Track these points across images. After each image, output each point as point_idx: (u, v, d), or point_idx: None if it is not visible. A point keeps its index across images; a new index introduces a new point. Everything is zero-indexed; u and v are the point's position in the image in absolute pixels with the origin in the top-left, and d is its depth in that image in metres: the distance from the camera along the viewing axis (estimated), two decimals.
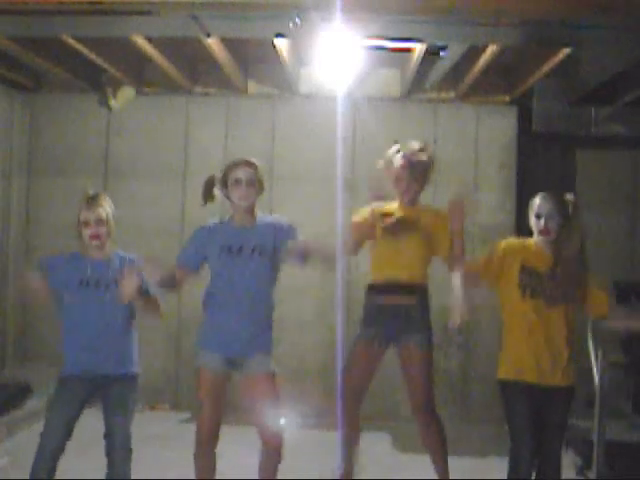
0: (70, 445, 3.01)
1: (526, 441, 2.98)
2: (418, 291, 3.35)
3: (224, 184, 3.12)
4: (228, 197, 3.12)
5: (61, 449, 2.98)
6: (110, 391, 3.09)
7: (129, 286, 2.96)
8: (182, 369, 5.62)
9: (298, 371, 5.29)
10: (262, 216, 3.18)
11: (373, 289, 3.38)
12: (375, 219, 3.29)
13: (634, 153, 5.72)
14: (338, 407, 3.31)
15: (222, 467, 3.21)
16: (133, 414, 3.12)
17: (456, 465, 3.45)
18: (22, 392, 5.13)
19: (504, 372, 3.12)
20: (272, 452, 3.05)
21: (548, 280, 3.05)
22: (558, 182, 5.68)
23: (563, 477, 4.11)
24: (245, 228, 3.10)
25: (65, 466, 3.04)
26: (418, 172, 3.35)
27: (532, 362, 3.03)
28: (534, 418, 3.01)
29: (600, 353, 3.68)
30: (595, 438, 3.78)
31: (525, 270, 3.08)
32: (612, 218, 5.68)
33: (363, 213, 3.37)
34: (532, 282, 3.06)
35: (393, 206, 3.39)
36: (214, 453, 3.11)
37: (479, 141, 5.59)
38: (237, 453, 3.10)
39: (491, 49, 4.17)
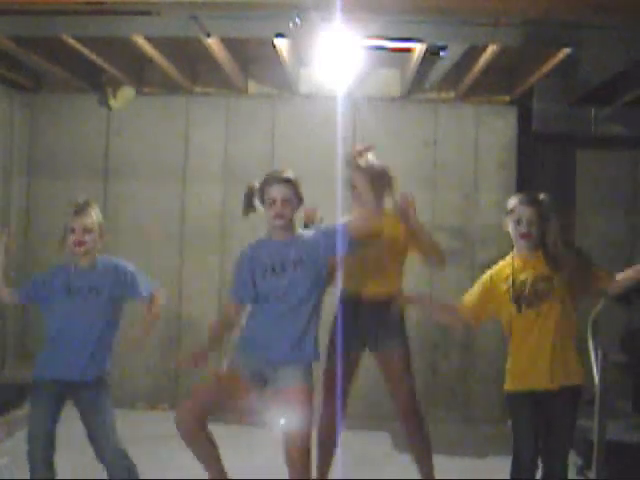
0: (70, 444, 3.01)
1: (527, 447, 2.99)
2: (391, 303, 3.35)
3: (261, 199, 3.03)
4: (268, 216, 3.04)
5: (51, 443, 3.03)
6: (81, 397, 3.08)
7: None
8: (182, 369, 5.62)
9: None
10: (301, 232, 3.11)
11: (345, 302, 3.37)
12: None
13: (634, 153, 5.71)
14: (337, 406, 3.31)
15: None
16: (113, 417, 3.10)
17: (456, 465, 3.45)
18: (22, 392, 5.12)
19: (510, 383, 3.11)
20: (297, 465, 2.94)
21: (539, 284, 3.03)
22: (558, 182, 5.68)
23: None
24: (284, 244, 3.02)
25: (65, 465, 3.05)
26: (375, 179, 3.23)
27: (538, 370, 3.01)
28: (539, 425, 3.01)
29: (600, 353, 3.67)
30: (595, 438, 3.78)
31: (515, 284, 3.06)
32: (612, 218, 5.68)
33: None
34: (525, 291, 3.04)
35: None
36: (206, 432, 3.03)
37: (479, 141, 5.59)
38: (239, 453, 3.09)
39: (491, 49, 4.16)
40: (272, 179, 3.02)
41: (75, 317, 3.06)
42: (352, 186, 3.26)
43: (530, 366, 3.04)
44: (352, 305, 3.35)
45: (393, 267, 3.39)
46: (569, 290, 3.04)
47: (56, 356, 3.07)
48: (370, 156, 3.26)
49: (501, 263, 3.19)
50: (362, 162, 3.21)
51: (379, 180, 3.26)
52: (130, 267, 3.21)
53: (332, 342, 3.36)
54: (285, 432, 2.90)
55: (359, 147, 3.23)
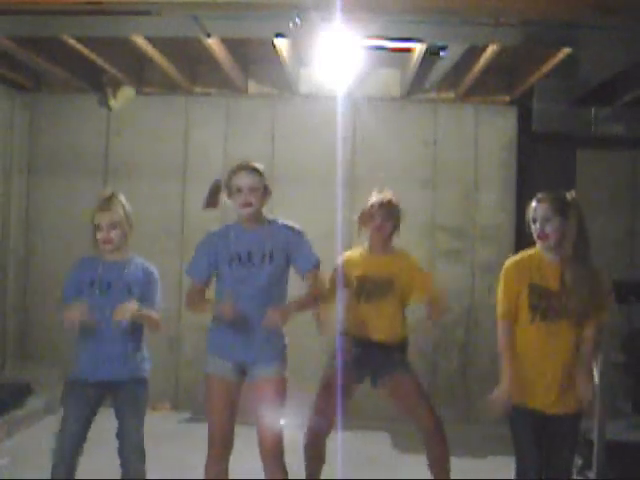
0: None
1: (531, 466, 2.86)
2: (397, 347, 3.42)
3: (228, 190, 3.02)
4: (235, 206, 3.03)
5: (79, 450, 2.99)
6: (120, 394, 3.06)
7: (121, 315, 2.89)
8: (182, 370, 5.63)
9: (297, 372, 5.28)
10: (271, 219, 3.07)
11: (349, 340, 3.38)
12: (348, 272, 3.41)
13: (634, 153, 5.72)
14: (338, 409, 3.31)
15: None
16: (144, 416, 3.10)
17: (456, 465, 3.45)
18: (22, 392, 5.13)
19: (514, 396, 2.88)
20: (268, 456, 2.97)
21: (558, 295, 2.83)
22: (558, 182, 5.67)
23: None
24: (252, 234, 3.01)
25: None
26: (391, 213, 3.40)
27: (542, 389, 2.84)
28: (540, 442, 2.88)
29: (600, 353, 3.67)
30: (595, 438, 3.78)
31: (534, 290, 2.85)
32: (612, 218, 5.68)
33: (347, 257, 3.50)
34: (542, 303, 2.83)
35: (363, 257, 3.46)
36: (226, 463, 3.01)
37: (479, 141, 5.59)
38: (241, 453, 3.09)
39: (491, 49, 4.17)
40: (238, 168, 3.01)
41: (106, 313, 2.98)
42: (370, 215, 3.39)
43: (544, 386, 2.84)
44: (356, 344, 3.38)
45: (399, 311, 3.44)
46: (585, 309, 2.81)
47: (97, 354, 3.04)
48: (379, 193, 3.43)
49: (523, 255, 2.96)
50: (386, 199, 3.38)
51: (396, 219, 3.43)
52: (157, 276, 3.20)
53: (329, 374, 3.38)
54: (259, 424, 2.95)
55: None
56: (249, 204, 2.96)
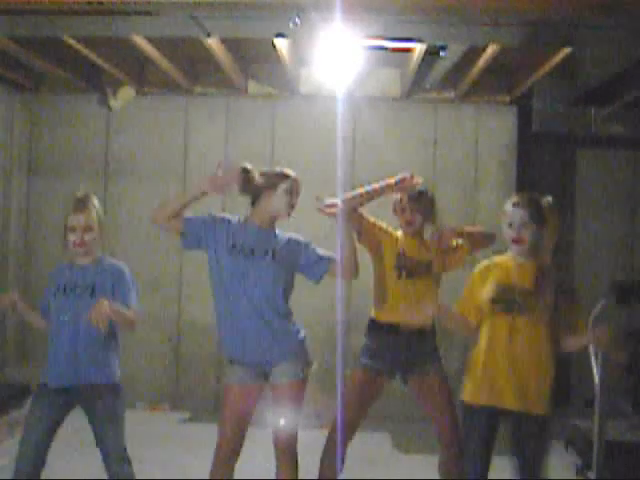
0: (69, 445, 2.98)
1: (476, 471, 2.83)
2: (429, 334, 3.30)
3: (266, 187, 2.99)
4: (255, 199, 3.00)
5: (39, 460, 2.88)
6: (93, 402, 2.93)
7: (96, 318, 2.75)
8: (182, 369, 5.63)
9: None
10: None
11: (381, 328, 3.26)
12: (389, 242, 3.29)
13: (634, 153, 5.72)
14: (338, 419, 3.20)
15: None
16: (124, 424, 2.98)
17: None
18: (22, 392, 5.13)
19: (469, 394, 2.89)
20: (285, 460, 2.96)
21: (528, 295, 2.81)
22: (558, 182, 5.68)
23: (563, 477, 4.13)
24: (262, 230, 2.99)
25: (65, 466, 3.03)
26: (421, 204, 3.32)
27: (503, 384, 2.81)
28: (491, 441, 2.83)
29: (600, 353, 3.67)
30: (595, 438, 3.78)
31: (500, 287, 2.84)
32: (612, 218, 5.69)
33: (382, 224, 3.36)
34: (506, 296, 2.82)
35: (403, 238, 3.34)
36: (233, 467, 2.98)
37: (479, 141, 5.59)
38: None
39: (491, 49, 4.17)
40: (293, 175, 3.09)
41: (77, 318, 2.89)
42: (401, 209, 3.31)
43: (494, 379, 2.84)
44: (387, 333, 3.25)
45: (430, 296, 3.27)
46: (555, 312, 2.80)
47: (67, 359, 2.92)
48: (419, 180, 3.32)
49: (493, 260, 2.97)
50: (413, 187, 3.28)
51: (426, 205, 3.35)
52: (128, 275, 3.04)
53: (361, 366, 3.26)
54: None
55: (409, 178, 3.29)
56: (289, 209, 3.01)
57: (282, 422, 2.93)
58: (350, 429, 3.23)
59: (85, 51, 4.50)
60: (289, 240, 3.02)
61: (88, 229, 2.97)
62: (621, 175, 5.73)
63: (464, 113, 5.60)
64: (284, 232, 3.06)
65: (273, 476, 3.01)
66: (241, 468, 3.00)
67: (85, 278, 2.97)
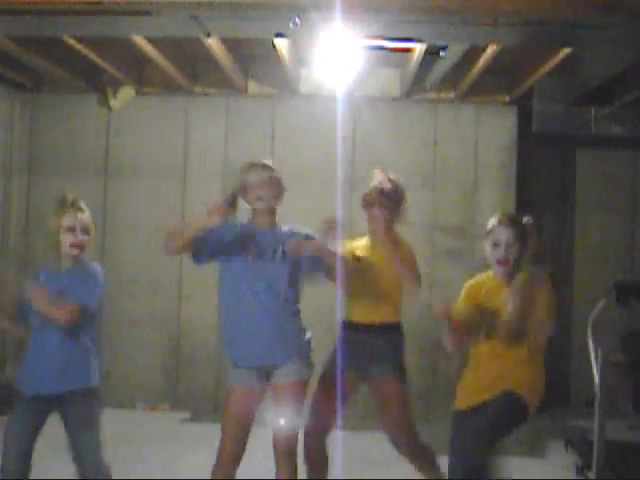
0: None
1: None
2: (389, 330, 3.23)
3: (243, 190, 2.95)
4: (247, 203, 2.98)
5: (22, 467, 2.79)
6: (67, 408, 2.83)
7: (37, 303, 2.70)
8: (182, 369, 5.63)
9: None
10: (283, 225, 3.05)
11: (344, 327, 3.29)
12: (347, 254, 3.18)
13: (634, 153, 5.72)
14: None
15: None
16: (99, 429, 2.84)
17: None
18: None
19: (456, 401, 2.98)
20: (285, 461, 2.94)
21: (499, 317, 2.79)
22: (558, 182, 5.68)
23: (563, 477, 4.13)
24: (264, 231, 2.97)
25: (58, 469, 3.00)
26: (390, 200, 3.18)
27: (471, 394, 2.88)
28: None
29: (600, 353, 3.67)
30: (595, 438, 3.78)
31: (483, 313, 2.84)
32: (612, 218, 5.69)
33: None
34: (487, 323, 2.81)
35: (363, 243, 3.29)
36: (235, 469, 2.96)
37: (479, 141, 5.59)
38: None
39: (491, 49, 4.17)
40: (252, 164, 3.00)
41: (49, 325, 2.78)
42: (368, 204, 3.21)
43: (468, 391, 2.93)
44: (349, 331, 3.26)
45: (391, 294, 3.21)
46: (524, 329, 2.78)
47: (41, 367, 2.84)
48: (382, 176, 3.24)
49: (479, 278, 2.97)
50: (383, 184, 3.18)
51: (395, 202, 3.22)
52: (99, 275, 2.90)
53: (329, 365, 3.26)
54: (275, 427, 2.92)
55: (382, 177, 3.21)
56: (264, 197, 2.95)
57: (282, 423, 2.92)
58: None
59: (85, 51, 4.50)
60: (293, 234, 3.00)
61: (86, 230, 2.89)
62: (621, 175, 5.74)
63: (464, 113, 5.60)
64: (285, 225, 3.04)
65: (273, 476, 3.01)
66: (241, 468, 2.99)
67: (61, 285, 2.80)
